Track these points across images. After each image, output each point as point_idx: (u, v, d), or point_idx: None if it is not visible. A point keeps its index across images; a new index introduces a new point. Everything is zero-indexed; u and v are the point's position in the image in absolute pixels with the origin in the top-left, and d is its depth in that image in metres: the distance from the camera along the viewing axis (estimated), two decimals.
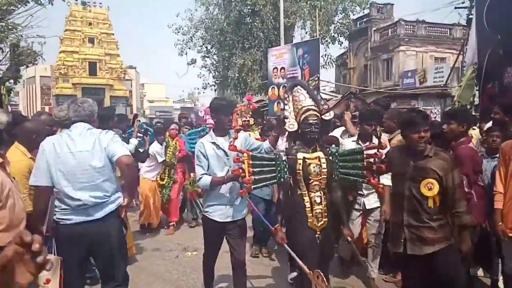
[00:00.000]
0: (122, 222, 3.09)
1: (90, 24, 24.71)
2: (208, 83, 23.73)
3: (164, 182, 6.20)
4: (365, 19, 25.16)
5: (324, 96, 17.80)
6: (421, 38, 23.35)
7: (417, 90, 20.08)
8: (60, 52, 23.96)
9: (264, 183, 2.85)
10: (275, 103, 12.09)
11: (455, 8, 17.78)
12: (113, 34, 25.43)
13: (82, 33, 24.38)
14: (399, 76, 22.67)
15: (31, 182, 2.74)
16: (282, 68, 12.69)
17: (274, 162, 2.83)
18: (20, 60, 12.22)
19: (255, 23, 20.03)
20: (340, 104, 13.64)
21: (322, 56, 19.98)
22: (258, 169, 2.78)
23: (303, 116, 2.87)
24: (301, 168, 2.79)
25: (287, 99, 3.07)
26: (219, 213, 3.18)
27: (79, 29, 24.39)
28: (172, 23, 22.30)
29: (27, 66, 13.57)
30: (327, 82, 20.39)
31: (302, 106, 2.92)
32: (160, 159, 5.99)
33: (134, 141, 5.01)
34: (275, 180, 2.85)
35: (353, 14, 23.33)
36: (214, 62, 23.42)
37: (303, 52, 12.32)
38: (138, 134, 5.28)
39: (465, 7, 16.98)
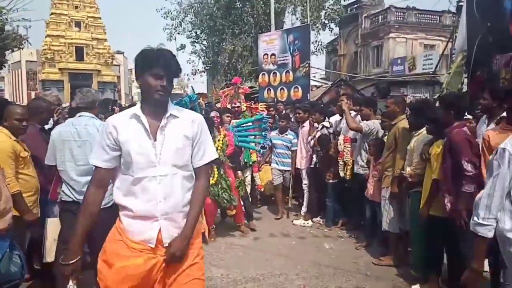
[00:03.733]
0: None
1: (76, 7, 24.12)
2: (198, 69, 23.54)
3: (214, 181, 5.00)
4: (355, 5, 25.09)
5: (314, 83, 17.66)
6: (411, 25, 23.41)
7: (406, 77, 20.23)
8: (46, 36, 23.40)
9: None
10: (265, 90, 12.06)
11: None
12: (100, 18, 24.88)
13: (68, 16, 23.80)
14: (389, 63, 22.77)
15: (46, 161, 3.19)
16: (273, 54, 12.59)
17: None
18: (5, 44, 11.93)
19: (245, 8, 19.81)
20: (330, 91, 13.69)
21: (312, 43, 19.89)
22: None
23: None
24: None
25: None
26: None
27: (65, 12, 23.79)
28: (160, 7, 21.95)
29: (13, 51, 13.25)
30: (317, 68, 20.37)
31: None
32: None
33: None
34: None
35: (344, 0, 23.21)
36: (204, 48, 23.19)
37: (293, 38, 12.22)
38: None
39: None
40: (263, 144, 5.70)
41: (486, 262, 3.69)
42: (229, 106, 6.46)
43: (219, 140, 5.12)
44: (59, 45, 23.35)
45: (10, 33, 12.06)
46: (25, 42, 13.10)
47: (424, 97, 12.03)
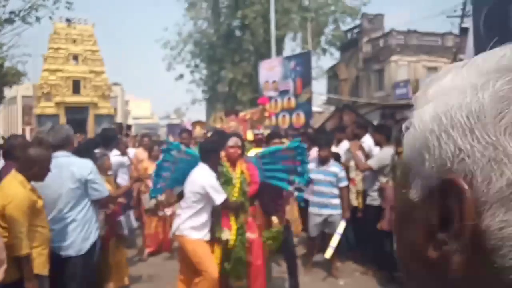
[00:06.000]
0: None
1: (74, 41, 24.00)
2: (197, 98, 23.29)
3: (234, 243, 3.43)
4: (356, 30, 24.94)
5: (316, 109, 17.31)
6: (413, 48, 23.13)
7: (411, 100, 19.72)
8: (43, 71, 23.11)
9: None
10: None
11: (447, 17, 17.57)
12: (98, 51, 24.71)
13: (66, 50, 23.62)
14: (392, 87, 22.34)
15: None
16: (274, 81, 12.28)
17: None
18: (4, 81, 11.57)
19: (245, 36, 19.69)
20: (334, 117, 13.15)
21: (313, 68, 19.63)
22: None
23: None
24: None
25: None
26: None
27: (63, 46, 23.64)
28: (159, 38, 21.92)
29: (11, 86, 12.89)
30: (319, 94, 19.99)
31: None
32: (219, 199, 3.35)
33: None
34: None
35: (344, 25, 23.11)
36: (203, 77, 23.01)
37: (294, 65, 12.01)
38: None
39: (457, 16, 16.75)
40: (299, 184, 3.93)
41: None
42: (251, 133, 5.47)
43: (235, 180, 3.56)
44: (56, 79, 23.05)
45: (9, 69, 11.73)
46: (23, 78, 12.74)
47: None
